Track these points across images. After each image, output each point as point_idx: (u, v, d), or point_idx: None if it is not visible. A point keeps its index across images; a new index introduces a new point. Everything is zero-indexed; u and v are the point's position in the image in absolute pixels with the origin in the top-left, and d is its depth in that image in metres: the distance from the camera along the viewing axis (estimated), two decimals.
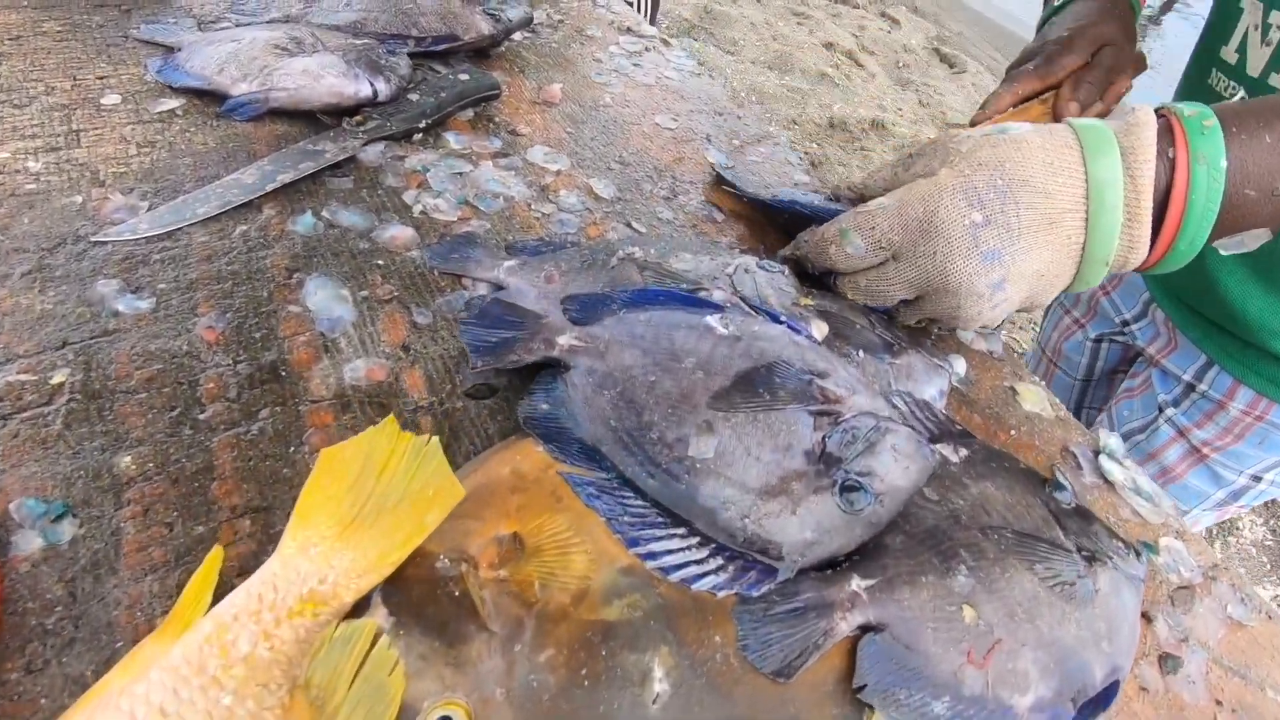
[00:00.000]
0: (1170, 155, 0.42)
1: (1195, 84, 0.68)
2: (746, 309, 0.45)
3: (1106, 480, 0.50)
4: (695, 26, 3.49)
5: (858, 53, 3.64)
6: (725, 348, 0.41)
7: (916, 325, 0.56)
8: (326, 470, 0.33)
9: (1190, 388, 0.73)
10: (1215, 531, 2.10)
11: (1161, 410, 0.75)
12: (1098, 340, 0.86)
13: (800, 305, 0.49)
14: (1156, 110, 0.44)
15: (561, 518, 0.34)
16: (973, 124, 0.65)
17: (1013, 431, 0.52)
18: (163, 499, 0.36)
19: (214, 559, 0.31)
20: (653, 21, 1.64)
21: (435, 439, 0.34)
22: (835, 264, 0.49)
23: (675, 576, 0.34)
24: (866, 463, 0.37)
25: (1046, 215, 0.43)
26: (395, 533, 0.31)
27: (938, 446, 0.43)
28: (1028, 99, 0.65)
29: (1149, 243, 0.43)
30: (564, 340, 0.43)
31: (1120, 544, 0.42)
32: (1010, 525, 0.40)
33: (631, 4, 1.33)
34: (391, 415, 0.34)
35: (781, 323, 0.44)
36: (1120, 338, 0.83)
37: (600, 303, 0.44)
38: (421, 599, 0.31)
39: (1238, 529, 2.17)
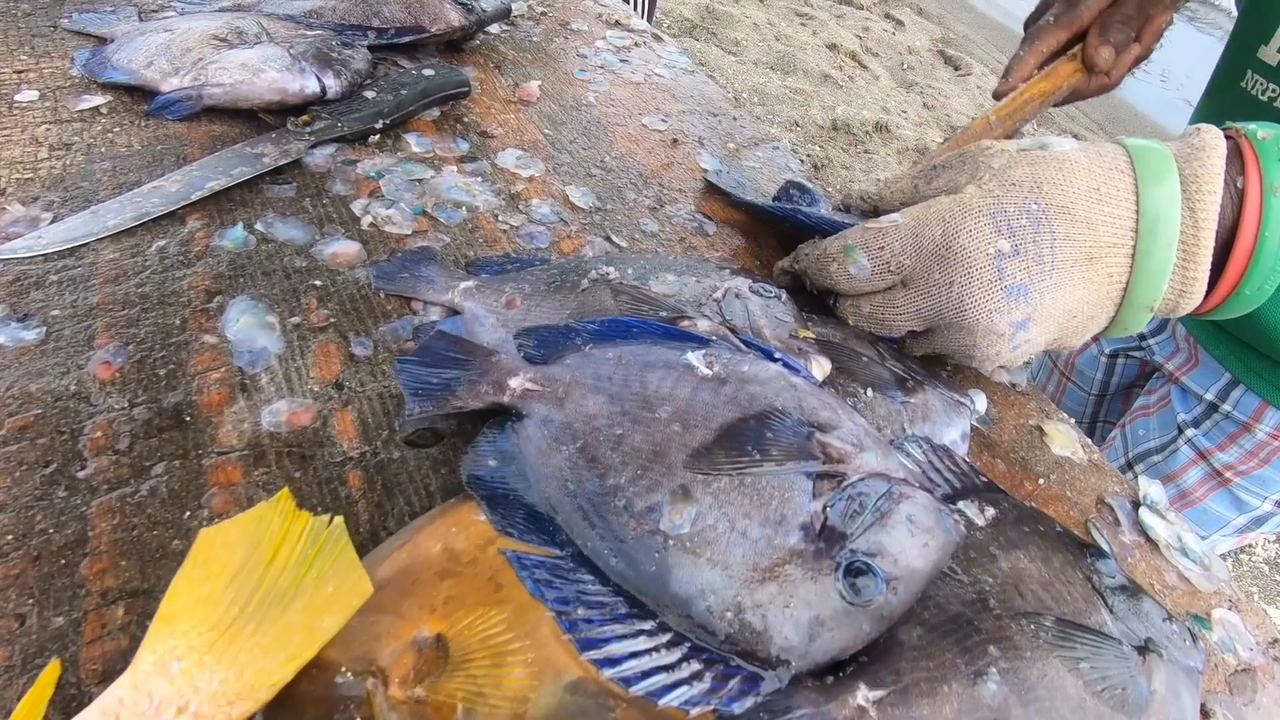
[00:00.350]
0: (1239, 185, 0.36)
1: (1226, 87, 0.61)
2: (735, 343, 0.39)
3: (1148, 538, 0.44)
4: (697, 26, 3.43)
5: (861, 54, 3.57)
6: (708, 393, 0.35)
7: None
8: (203, 558, 0.26)
9: (1213, 408, 0.67)
10: (1226, 553, 2.03)
11: (1181, 431, 0.69)
12: (1113, 356, 0.80)
13: (799, 337, 0.42)
14: (1224, 130, 0.38)
15: (499, 613, 0.28)
16: (997, 96, 0.58)
17: (1041, 480, 0.45)
18: (18, 582, 0.30)
19: (48, 678, 0.24)
20: (649, 19, 1.57)
21: (339, 520, 0.27)
22: (836, 284, 0.43)
23: (639, 688, 0.27)
24: (876, 539, 0.31)
25: (1086, 249, 0.37)
26: (282, 644, 0.25)
27: (961, 505, 0.37)
28: (1055, 56, 0.58)
29: (1205, 287, 0.37)
30: (516, 383, 0.36)
31: (1175, 626, 0.35)
32: (1048, 609, 0.33)
33: (627, 1, 1.27)
34: (285, 490, 0.28)
35: (777, 360, 0.38)
36: (1137, 353, 0.77)
37: (562, 337, 0.38)
38: None
39: (1249, 546, 2.10)
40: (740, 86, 3.05)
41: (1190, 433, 0.69)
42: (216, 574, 0.26)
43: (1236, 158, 0.37)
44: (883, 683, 0.29)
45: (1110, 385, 0.83)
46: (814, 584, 0.30)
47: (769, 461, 0.32)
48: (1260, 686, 0.39)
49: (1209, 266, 0.36)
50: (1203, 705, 0.37)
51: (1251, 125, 0.38)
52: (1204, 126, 0.38)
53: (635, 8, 1.40)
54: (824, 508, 0.31)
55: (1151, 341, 0.74)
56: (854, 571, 0.30)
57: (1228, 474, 0.68)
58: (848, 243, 0.42)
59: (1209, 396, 0.67)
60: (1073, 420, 0.49)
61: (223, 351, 0.40)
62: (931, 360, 0.49)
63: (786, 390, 0.35)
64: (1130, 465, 0.74)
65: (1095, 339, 0.81)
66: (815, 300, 0.47)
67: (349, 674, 0.25)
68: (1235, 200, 0.36)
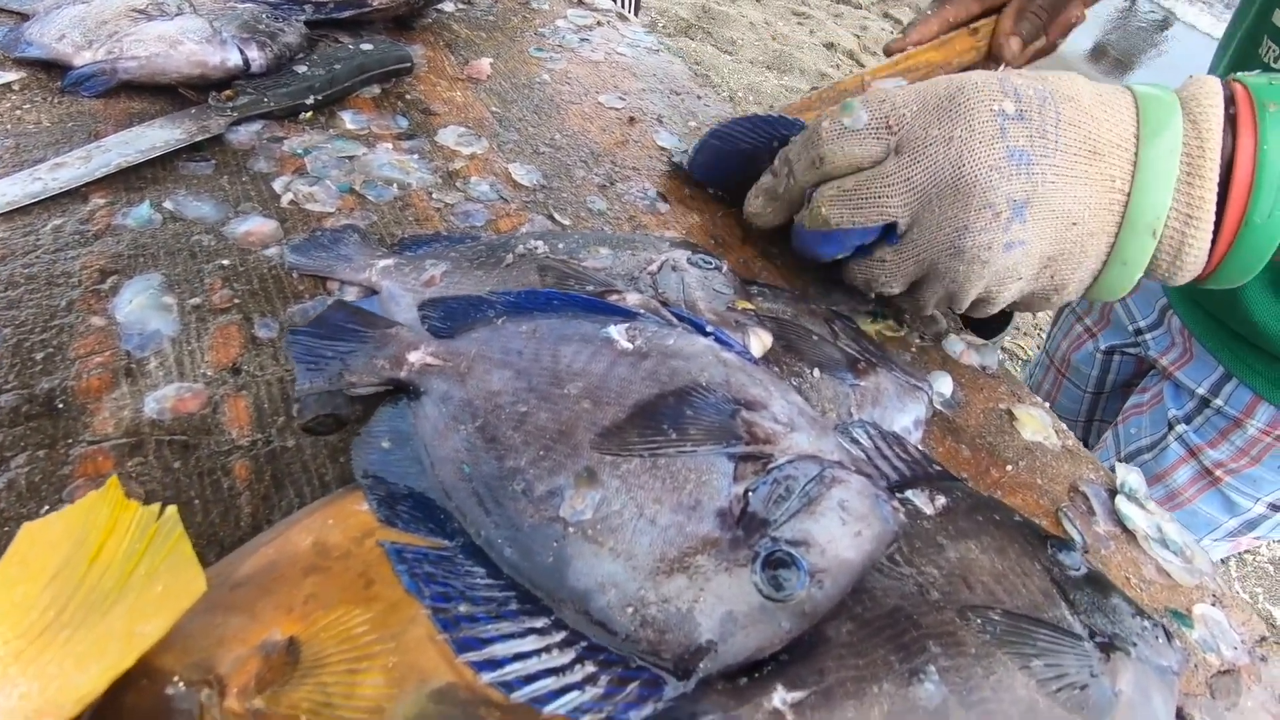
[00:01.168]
0: (1231, 112, 0.34)
1: (1241, 54, 0.58)
2: (666, 317, 0.36)
3: (1125, 528, 0.40)
4: (692, 26, 3.41)
5: (859, 53, 3.54)
6: (625, 368, 0.31)
7: (891, 333, 0.46)
8: (21, 556, 0.23)
9: (1204, 402, 0.64)
10: (1226, 557, 1.99)
11: (1171, 426, 0.66)
12: (1109, 353, 0.77)
13: (738, 309, 0.39)
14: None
15: (364, 612, 0.24)
16: (887, 52, 0.56)
17: (1009, 467, 0.42)
18: None
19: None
20: (635, 14, 1.54)
21: (172, 510, 0.24)
22: (824, 144, 0.39)
23: (522, 694, 0.24)
24: (802, 527, 0.27)
25: (1090, 140, 0.35)
26: (98, 652, 0.21)
27: (909, 494, 0.34)
28: (960, 25, 0.55)
29: (1213, 213, 0.34)
30: (415, 357, 0.33)
31: (1147, 623, 0.32)
32: (999, 602, 0.30)
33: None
34: (114, 478, 0.25)
35: (708, 334, 0.35)
36: (1133, 349, 0.74)
37: (471, 308, 0.35)
38: None
39: (1253, 547, 2.06)
40: (735, 85, 3.03)
41: (1180, 429, 0.66)
42: (34, 574, 0.23)
43: (1229, 96, 0.35)
44: (803, 683, 0.26)
45: (1106, 383, 0.80)
46: (728, 576, 0.26)
47: (686, 441, 0.29)
48: (1245, 689, 0.35)
49: (1215, 191, 0.33)
50: (1179, 709, 0.34)
51: (1241, 74, 0.36)
52: (1195, 75, 0.36)
53: (622, 5, 1.38)
54: (745, 492, 0.28)
55: (1148, 336, 0.71)
56: (774, 563, 0.27)
57: (1218, 472, 0.65)
58: (846, 100, 0.39)
59: (1201, 390, 0.64)
60: (1046, 404, 0.46)
61: (110, 334, 0.37)
62: (896, 347, 0.46)
63: (714, 365, 0.32)
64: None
65: (1091, 334, 0.77)
66: (772, 275, 0.43)
67: (181, 684, 0.22)
68: (1230, 131, 0.34)
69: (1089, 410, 0.82)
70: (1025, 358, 2.18)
